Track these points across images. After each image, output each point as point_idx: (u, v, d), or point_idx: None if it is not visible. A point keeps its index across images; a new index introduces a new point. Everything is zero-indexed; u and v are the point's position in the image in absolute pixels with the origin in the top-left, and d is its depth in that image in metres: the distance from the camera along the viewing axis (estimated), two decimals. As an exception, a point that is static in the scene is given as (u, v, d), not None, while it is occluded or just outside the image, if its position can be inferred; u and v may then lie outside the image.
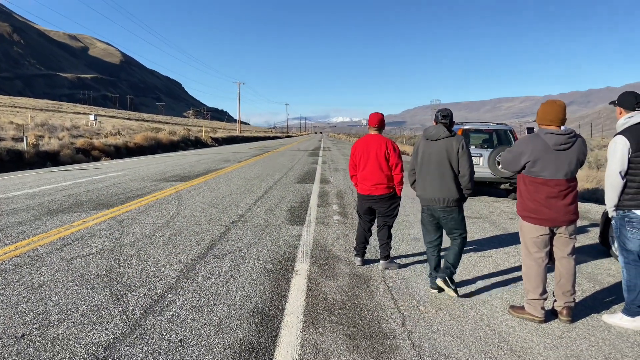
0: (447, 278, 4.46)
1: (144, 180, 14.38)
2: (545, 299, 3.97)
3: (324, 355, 3.34)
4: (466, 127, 11.43)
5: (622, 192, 3.85)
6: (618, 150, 3.82)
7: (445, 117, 4.56)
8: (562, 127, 3.93)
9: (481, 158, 10.71)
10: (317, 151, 37.31)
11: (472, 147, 11.29)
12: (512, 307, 4.18)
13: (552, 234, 3.98)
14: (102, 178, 15.08)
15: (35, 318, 3.89)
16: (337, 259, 5.86)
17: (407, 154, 35.52)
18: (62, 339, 3.53)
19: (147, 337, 3.57)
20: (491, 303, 4.41)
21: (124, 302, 4.30)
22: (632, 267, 3.88)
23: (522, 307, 4.08)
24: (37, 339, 3.52)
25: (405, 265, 5.59)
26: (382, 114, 5.54)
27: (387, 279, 5.09)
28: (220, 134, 70.03)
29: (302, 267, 5.45)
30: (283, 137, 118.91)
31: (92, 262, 5.54)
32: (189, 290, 4.64)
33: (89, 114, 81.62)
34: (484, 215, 9.02)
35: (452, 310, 4.22)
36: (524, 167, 3.98)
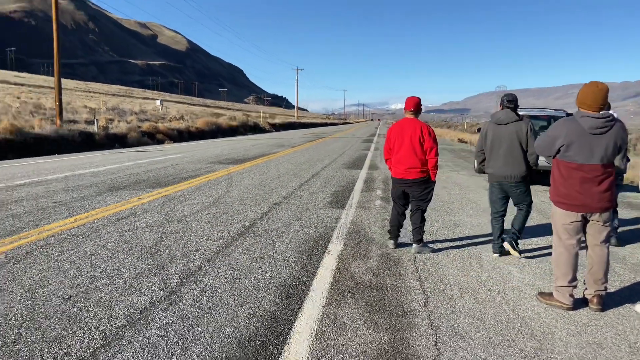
0: (513, 241, 5.21)
1: (199, 162, 15.00)
2: (574, 287, 3.89)
3: (341, 329, 3.46)
4: (521, 113, 11.03)
5: None
6: None
7: (511, 102, 5.24)
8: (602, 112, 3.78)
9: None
10: (371, 138, 37.14)
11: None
12: (541, 293, 4.12)
13: (585, 221, 3.86)
14: (162, 159, 15.86)
15: (83, 282, 4.27)
16: (371, 241, 5.94)
17: (466, 142, 34.61)
18: (104, 301, 3.86)
19: (180, 303, 3.84)
20: (521, 289, 4.35)
21: (164, 271, 4.61)
22: None
23: (551, 294, 4.01)
24: (82, 300, 3.87)
25: (439, 250, 5.58)
26: (419, 98, 5.51)
27: (417, 262, 5.12)
28: (277, 120, 71.09)
29: (334, 248, 5.58)
30: (340, 124, 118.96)
31: (141, 235, 5.94)
32: (224, 263, 4.90)
33: (156, 99, 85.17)
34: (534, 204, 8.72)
35: (479, 294, 4.20)
36: (558, 152, 3.87)
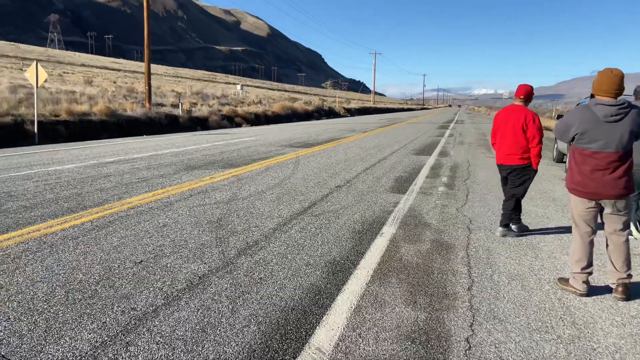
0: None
1: (271, 145, 15.55)
2: (589, 274, 3.88)
3: (380, 305, 3.62)
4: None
5: None
6: None
7: None
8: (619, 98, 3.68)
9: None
10: (448, 124, 36.19)
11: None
12: (561, 279, 4.13)
13: (601, 209, 3.85)
14: (237, 142, 16.62)
15: (153, 249, 4.75)
16: (427, 226, 5.98)
17: (550, 130, 32.74)
18: (170, 267, 4.29)
19: (235, 273, 4.18)
20: (573, 281, 4.24)
21: (224, 244, 4.99)
22: None
23: (568, 280, 4.02)
24: (151, 265, 4.33)
25: (502, 237, 5.52)
26: (531, 87, 5.59)
27: (470, 248, 5.12)
28: (353, 105, 71.03)
29: (388, 230, 5.70)
30: (417, 110, 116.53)
31: (208, 210, 6.40)
32: (280, 240, 5.20)
33: (237, 84, 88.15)
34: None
35: (527, 282, 4.17)
36: (573, 139, 3.84)
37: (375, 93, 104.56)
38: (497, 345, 3.06)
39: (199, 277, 4.06)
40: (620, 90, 3.64)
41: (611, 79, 3.63)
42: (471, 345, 3.05)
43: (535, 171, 5.48)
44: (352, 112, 59.84)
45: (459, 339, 3.13)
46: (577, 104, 4.99)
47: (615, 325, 3.37)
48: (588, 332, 3.26)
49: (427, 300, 3.73)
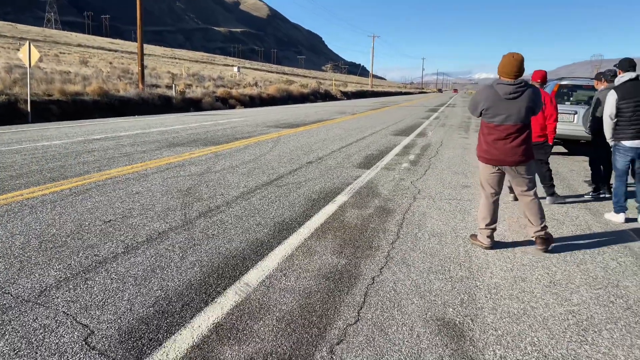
0: None
1: (257, 125, 16.07)
2: (492, 230, 4.48)
3: (310, 254, 4.21)
4: (564, 82, 10.86)
5: (614, 129, 5.50)
6: (609, 101, 5.17)
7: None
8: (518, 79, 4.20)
9: (575, 115, 10.21)
10: (438, 107, 36.61)
11: (567, 104, 10.74)
12: (472, 235, 4.74)
13: (502, 173, 4.45)
14: (225, 122, 17.13)
15: (122, 212, 5.34)
16: (377, 195, 6.56)
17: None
18: (134, 225, 4.88)
19: (191, 230, 4.77)
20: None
21: (188, 208, 5.58)
22: (618, 180, 5.64)
23: (476, 235, 4.63)
24: (118, 223, 4.92)
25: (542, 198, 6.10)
26: (545, 72, 6.38)
27: (408, 212, 5.71)
28: (350, 88, 71.19)
29: (340, 199, 6.28)
30: (416, 93, 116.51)
31: (181, 181, 6.98)
32: (240, 205, 5.78)
33: (235, 66, 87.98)
34: (561, 173, 8.83)
35: (445, 238, 4.76)
36: (481, 114, 4.41)
37: (376, 77, 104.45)
38: (395, 282, 3.66)
39: (159, 233, 4.65)
40: (519, 72, 4.18)
41: (512, 62, 4.17)
42: (374, 282, 3.65)
43: (551, 146, 6.35)
44: (348, 96, 60.10)
45: (366, 277, 3.73)
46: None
47: (503, 270, 3.97)
48: (478, 275, 3.86)
49: (352, 251, 4.32)
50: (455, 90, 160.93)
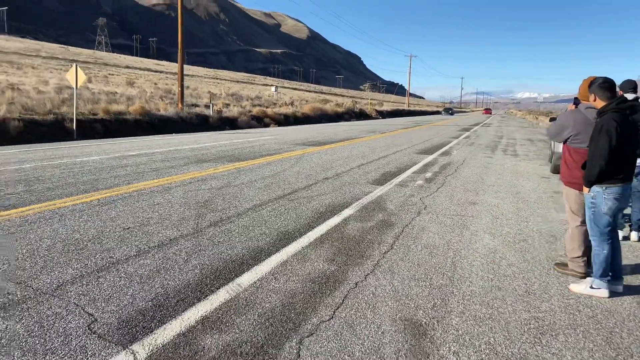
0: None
1: (285, 143, 16.59)
2: (588, 256, 4.23)
3: (304, 261, 4.54)
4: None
5: None
6: None
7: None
8: None
9: None
10: (471, 127, 36.36)
11: None
12: (558, 264, 4.56)
13: None
14: (254, 140, 17.75)
15: (141, 220, 5.82)
16: (383, 210, 6.83)
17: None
18: (149, 232, 5.34)
19: (200, 238, 5.19)
20: (480, 252, 5.02)
21: (201, 218, 6.02)
22: None
23: (566, 265, 4.45)
24: (135, 230, 5.39)
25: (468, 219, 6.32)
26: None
27: (409, 226, 5.95)
28: (385, 107, 71.49)
29: (346, 212, 6.59)
30: (467, 111, 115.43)
31: (200, 194, 7.46)
32: (249, 216, 6.18)
33: (273, 85, 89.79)
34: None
35: (436, 250, 4.98)
36: (567, 139, 4.30)
37: (414, 96, 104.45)
38: (376, 287, 3.94)
39: (170, 239, 5.09)
40: None
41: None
42: (357, 286, 3.94)
43: None
44: (383, 114, 60.39)
45: (350, 282, 4.03)
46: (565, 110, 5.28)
47: (483, 280, 4.17)
48: (457, 283, 4.08)
49: (344, 259, 4.62)
50: (488, 111, 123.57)
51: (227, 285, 3.91)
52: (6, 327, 3.10)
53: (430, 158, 13.59)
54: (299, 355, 2.89)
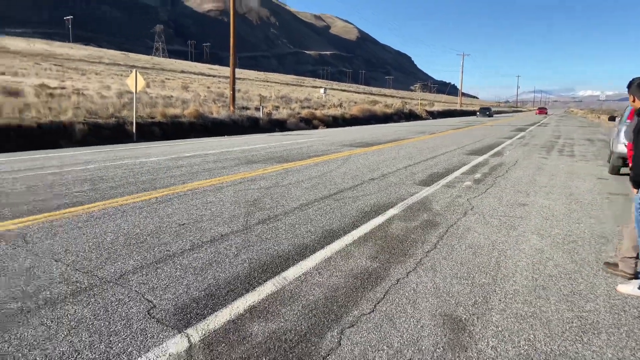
0: None
1: (332, 144, 16.79)
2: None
3: (347, 257, 4.69)
4: None
5: None
6: None
7: None
8: None
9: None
10: (527, 127, 35.21)
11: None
12: (607, 264, 4.48)
13: None
14: (303, 142, 18.06)
15: (195, 217, 6.16)
16: (428, 210, 6.86)
17: None
18: (203, 228, 5.65)
19: (248, 234, 5.44)
20: (526, 252, 4.99)
21: (250, 216, 6.29)
22: None
23: (616, 265, 4.36)
24: (190, 226, 5.72)
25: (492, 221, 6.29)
26: None
27: (454, 226, 5.97)
28: (436, 107, 70.37)
29: (391, 212, 6.67)
30: (509, 112, 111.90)
31: (249, 193, 7.76)
32: (295, 215, 6.39)
33: (322, 87, 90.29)
34: None
35: (481, 250, 4.99)
36: None
37: (467, 95, 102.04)
38: (418, 284, 4.03)
39: (221, 235, 5.38)
40: None
41: None
42: (398, 283, 4.05)
43: None
44: (434, 115, 59.52)
45: (392, 279, 4.14)
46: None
47: (527, 279, 4.17)
48: (501, 282, 4.10)
49: (386, 257, 4.73)
50: (543, 110, 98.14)
51: (273, 278, 4.12)
52: (75, 312, 3.43)
53: (480, 159, 13.37)
54: (340, 344, 3.04)
